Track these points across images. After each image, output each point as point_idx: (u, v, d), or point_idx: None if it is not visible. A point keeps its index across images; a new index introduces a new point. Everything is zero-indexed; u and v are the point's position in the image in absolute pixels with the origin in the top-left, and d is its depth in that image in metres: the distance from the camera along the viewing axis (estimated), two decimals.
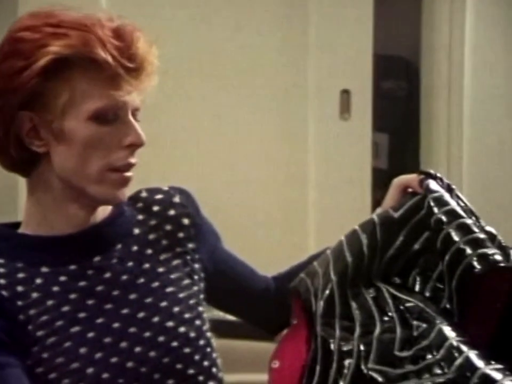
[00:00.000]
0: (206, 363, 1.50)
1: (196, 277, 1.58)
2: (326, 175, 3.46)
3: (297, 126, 3.47)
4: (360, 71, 3.51)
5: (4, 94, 1.41)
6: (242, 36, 3.39)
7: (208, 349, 1.52)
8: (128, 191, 1.48)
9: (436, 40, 3.65)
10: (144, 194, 1.61)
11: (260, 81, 3.43)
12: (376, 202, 3.39)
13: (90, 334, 1.44)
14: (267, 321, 1.74)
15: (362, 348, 1.34)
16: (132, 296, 1.49)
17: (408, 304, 1.38)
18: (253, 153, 3.43)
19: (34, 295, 1.44)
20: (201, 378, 1.49)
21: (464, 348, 1.27)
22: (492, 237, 1.38)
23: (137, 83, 1.42)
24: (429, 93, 3.71)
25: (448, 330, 1.31)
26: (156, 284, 1.52)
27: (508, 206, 3.66)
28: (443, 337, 1.30)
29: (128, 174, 1.45)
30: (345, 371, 1.32)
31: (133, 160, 1.45)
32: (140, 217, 1.58)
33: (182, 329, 1.50)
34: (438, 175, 1.49)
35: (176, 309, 1.51)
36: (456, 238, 1.34)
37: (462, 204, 1.43)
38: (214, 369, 1.52)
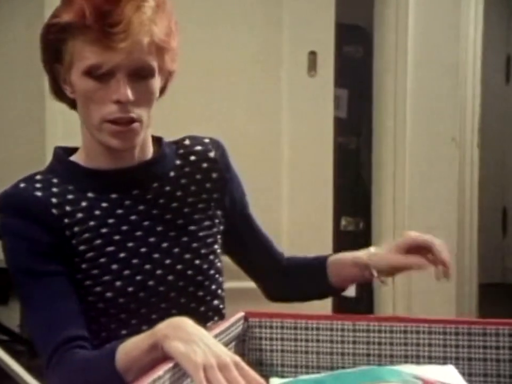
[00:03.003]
0: (213, 287, 1.57)
1: (216, 220, 1.60)
2: (296, 123, 3.53)
3: (272, 82, 3.52)
4: (325, 36, 3.55)
5: (43, 48, 1.48)
6: (227, 8, 3.46)
7: (217, 276, 1.58)
8: (132, 141, 1.46)
9: (386, 13, 3.70)
10: (187, 142, 1.62)
11: (240, 43, 3.47)
12: (337, 145, 3.64)
13: (122, 254, 1.48)
14: (271, 287, 1.73)
15: None
16: (159, 228, 1.52)
17: None
18: (234, 105, 3.48)
19: (79, 215, 1.47)
20: (208, 298, 1.56)
21: None
22: None
23: (125, 45, 1.38)
24: (380, 56, 3.78)
25: None
26: (180, 221, 1.55)
27: (445, 140, 3.78)
28: None
29: (120, 127, 1.43)
30: None
31: (125, 114, 1.42)
32: (178, 162, 1.58)
33: (197, 261, 1.54)
34: None
35: (194, 245, 1.55)
36: None
37: None
38: (219, 291, 1.59)
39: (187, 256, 1.54)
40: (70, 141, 1.60)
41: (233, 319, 1.46)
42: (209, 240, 1.58)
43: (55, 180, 1.49)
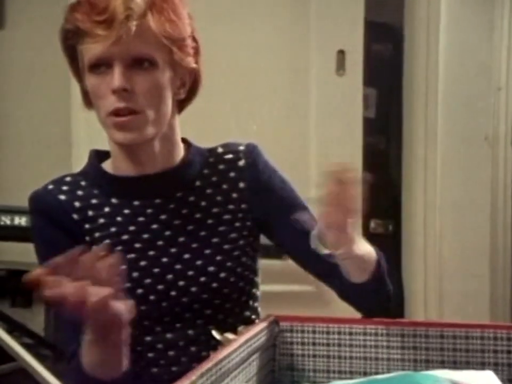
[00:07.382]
0: (243, 298, 1.55)
1: (244, 232, 1.55)
2: (324, 123, 3.53)
3: (301, 81, 3.51)
4: (354, 34, 3.52)
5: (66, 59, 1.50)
6: (254, 7, 3.47)
7: (248, 287, 1.55)
8: (136, 135, 1.42)
9: (417, 10, 3.69)
10: (220, 150, 1.58)
11: (268, 42, 3.48)
12: (365, 145, 3.61)
13: (143, 263, 1.46)
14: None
15: None
16: (181, 239, 1.50)
17: None
18: (262, 104, 3.48)
19: (101, 220, 1.47)
20: (237, 309, 1.53)
21: None
22: None
23: (111, 32, 1.37)
24: (410, 54, 3.75)
25: None
26: (203, 233, 1.51)
27: (478, 139, 3.74)
28: None
29: (120, 118, 1.40)
30: None
31: (122, 104, 1.40)
32: (206, 171, 1.55)
33: (222, 274, 1.51)
34: None
35: (218, 258, 1.51)
36: None
37: None
38: (251, 302, 1.57)
39: (211, 269, 1.50)
40: (94, 145, 1.61)
41: (264, 324, 1.45)
42: (236, 253, 1.54)
43: (83, 183, 1.50)
